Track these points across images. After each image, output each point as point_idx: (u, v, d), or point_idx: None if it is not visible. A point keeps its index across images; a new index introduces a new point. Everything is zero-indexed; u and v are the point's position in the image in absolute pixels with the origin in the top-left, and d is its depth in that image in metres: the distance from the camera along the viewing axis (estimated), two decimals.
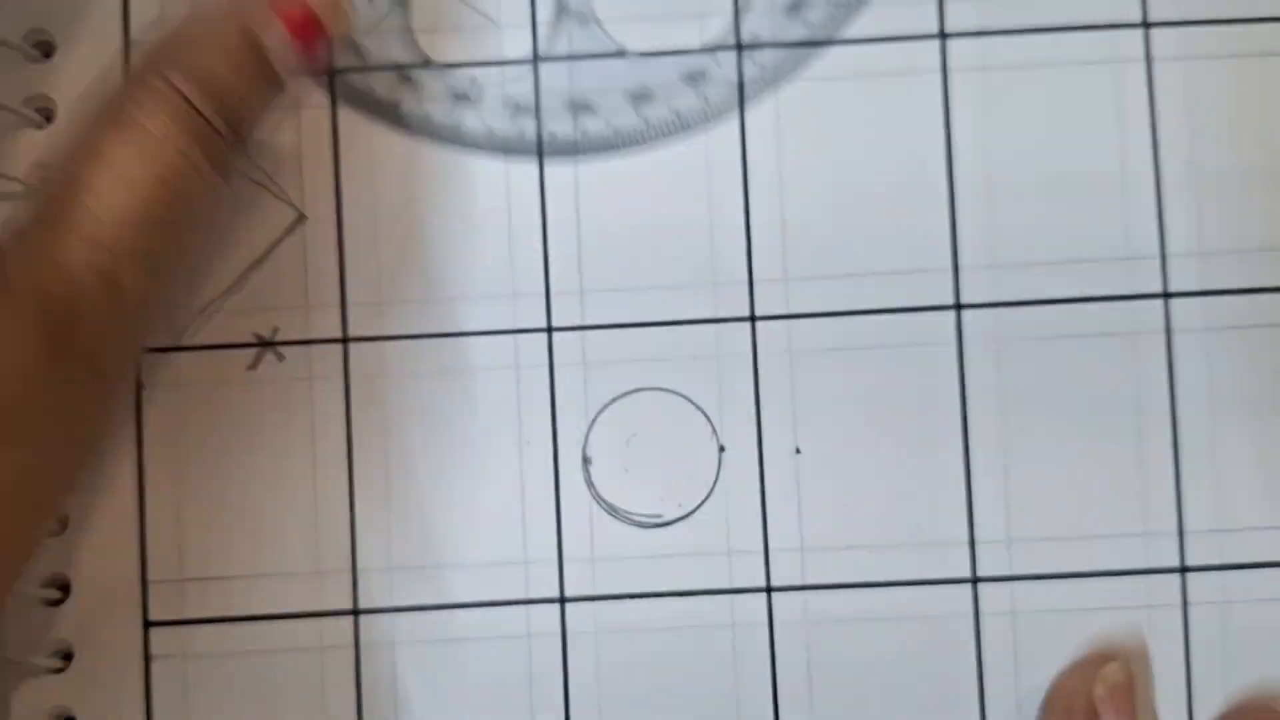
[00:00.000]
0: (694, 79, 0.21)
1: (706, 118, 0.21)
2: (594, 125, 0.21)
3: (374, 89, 0.21)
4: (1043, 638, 0.20)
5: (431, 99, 0.21)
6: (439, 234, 0.21)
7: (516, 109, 0.21)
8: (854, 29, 0.21)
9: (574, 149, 0.21)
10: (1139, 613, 0.20)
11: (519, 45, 0.21)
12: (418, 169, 0.21)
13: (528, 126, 0.21)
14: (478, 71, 0.21)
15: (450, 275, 0.21)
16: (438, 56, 0.21)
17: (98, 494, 0.20)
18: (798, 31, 0.20)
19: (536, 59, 0.21)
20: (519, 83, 0.21)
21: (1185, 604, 0.20)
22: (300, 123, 0.21)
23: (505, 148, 0.21)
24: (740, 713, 0.20)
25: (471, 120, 0.21)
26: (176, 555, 0.20)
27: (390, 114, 0.21)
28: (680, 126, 0.20)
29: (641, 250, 0.21)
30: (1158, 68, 0.21)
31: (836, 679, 0.20)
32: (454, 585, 0.20)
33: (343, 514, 0.21)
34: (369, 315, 0.21)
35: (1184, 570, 0.20)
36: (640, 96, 0.21)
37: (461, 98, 0.21)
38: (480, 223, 0.21)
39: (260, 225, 0.21)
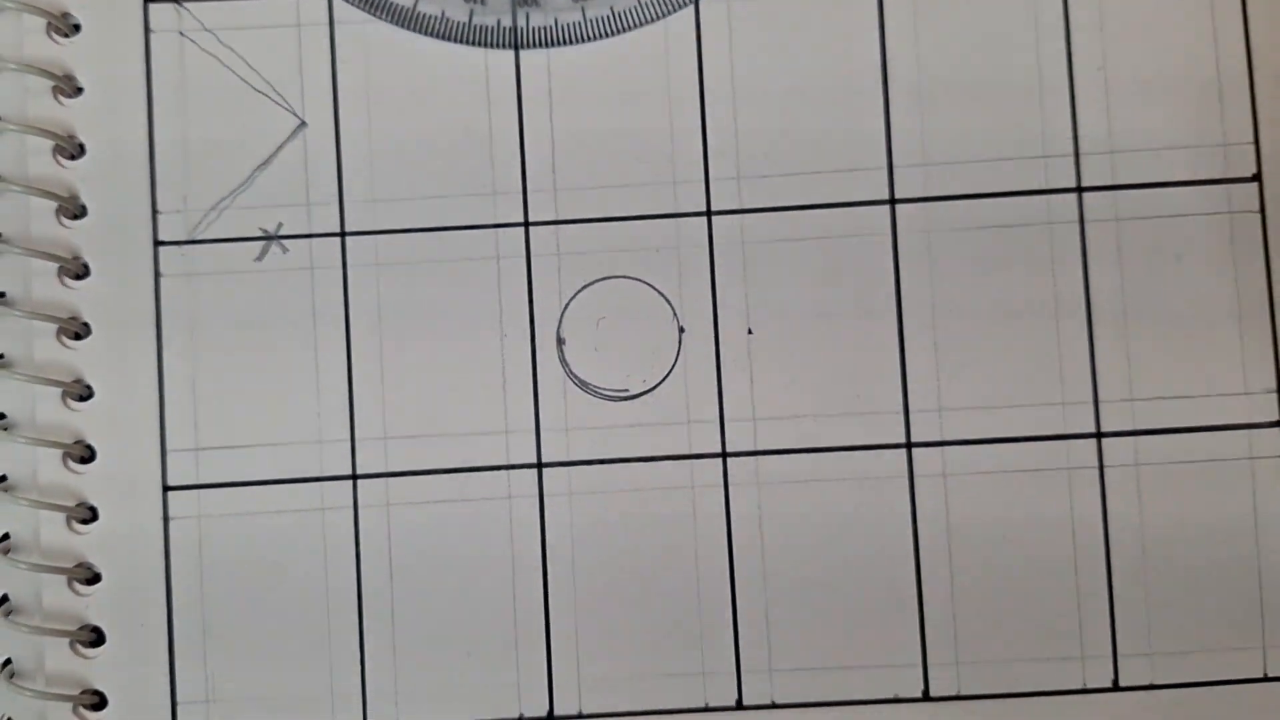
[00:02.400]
0: None
1: (643, 20, 0.23)
2: (538, 19, 0.23)
3: None
4: (971, 497, 0.23)
5: None
6: (426, 138, 0.23)
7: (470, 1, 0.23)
8: None
9: (515, 40, 0.23)
10: (1059, 474, 0.23)
11: None
12: (406, 77, 0.23)
13: (483, 18, 0.23)
14: None
15: (436, 175, 0.23)
16: None
17: (121, 373, 0.23)
18: None
19: None
20: None
21: (1101, 466, 0.23)
22: (300, 37, 0.23)
23: (463, 37, 0.23)
24: (699, 564, 0.23)
25: (428, 7, 0.23)
26: (192, 427, 0.23)
27: (379, 6, 0.23)
28: (616, 28, 0.23)
29: (609, 153, 0.23)
30: None
31: (785, 534, 0.23)
32: (441, 452, 0.23)
33: (341, 389, 0.23)
34: (364, 211, 0.23)
35: (1099, 435, 0.23)
36: None
37: None
38: (463, 126, 0.23)
39: (266, 131, 0.23)
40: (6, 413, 0.23)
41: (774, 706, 0.22)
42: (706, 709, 0.22)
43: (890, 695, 0.22)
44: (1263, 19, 0.23)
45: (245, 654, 0.23)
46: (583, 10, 0.23)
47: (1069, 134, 0.23)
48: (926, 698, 0.22)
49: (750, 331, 0.23)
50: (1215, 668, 0.22)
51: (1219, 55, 0.23)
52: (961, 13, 0.23)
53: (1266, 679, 0.22)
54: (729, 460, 0.23)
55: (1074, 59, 0.23)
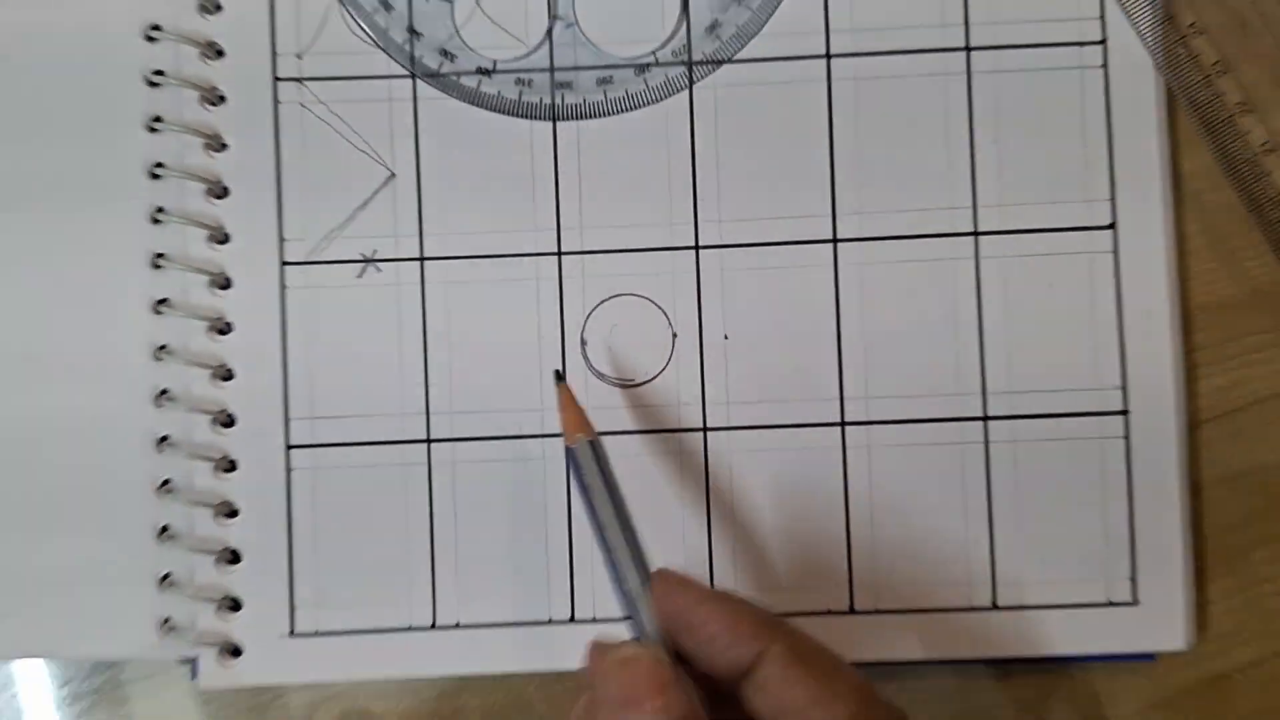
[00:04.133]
0: (641, 71, 0.30)
1: (649, 100, 0.30)
2: (570, 98, 0.30)
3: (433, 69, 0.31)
4: (890, 466, 0.30)
5: (469, 76, 0.31)
6: (484, 186, 0.31)
7: (519, 84, 0.31)
8: (752, 49, 0.30)
9: (553, 114, 0.30)
10: (953, 448, 0.30)
11: (530, 40, 0.31)
12: (470, 141, 0.31)
13: (529, 96, 0.30)
14: (497, 55, 0.31)
15: (491, 215, 0.31)
16: (471, 43, 0.31)
17: (256, 360, 0.30)
18: (712, 45, 0.30)
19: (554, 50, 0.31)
20: (525, 64, 0.31)
21: (987, 442, 0.30)
22: (391, 109, 0.31)
23: (515, 111, 0.30)
24: (685, 509, 0.30)
25: (488, 88, 0.31)
26: (309, 401, 0.30)
27: (450, 87, 0.31)
28: (630, 105, 0.30)
29: (621, 200, 0.31)
30: (975, 86, 0.30)
31: (750, 487, 0.30)
32: (493, 424, 0.30)
33: (419, 376, 0.30)
34: (437, 241, 0.31)
35: (986, 419, 0.30)
36: (604, 80, 0.30)
37: (483, 73, 0.31)
38: (512, 178, 0.31)
39: (364, 179, 0.31)
40: (169, 388, 0.31)
41: None
42: None
43: (824, 609, 0.30)
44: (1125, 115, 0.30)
45: (345, 569, 0.30)
46: (604, 93, 0.31)
47: (969, 192, 0.30)
48: (851, 611, 0.30)
49: (726, 337, 0.30)
50: (1069, 594, 0.30)
51: (1085, 122, 0.30)
52: (891, 105, 0.30)
53: (1110, 604, 0.30)
54: (709, 434, 0.30)
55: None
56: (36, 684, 0.32)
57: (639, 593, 0.25)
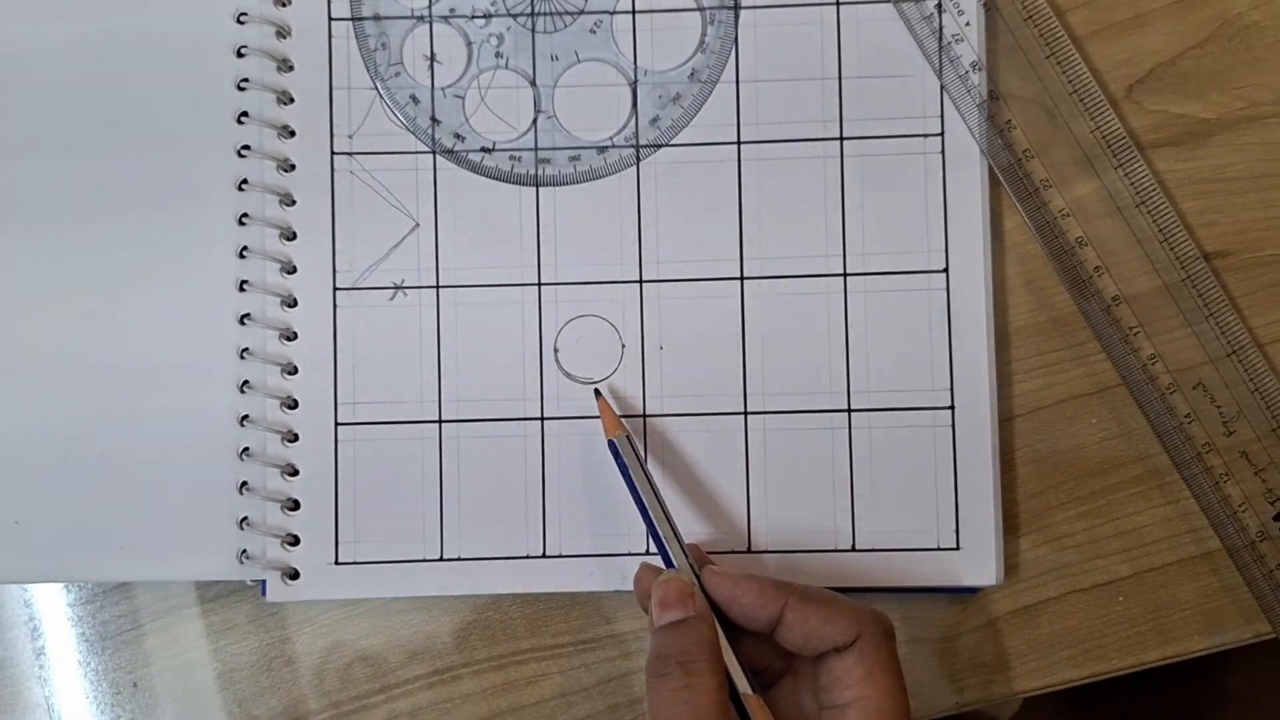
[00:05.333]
0: (601, 151, 0.41)
1: (607, 173, 0.41)
2: (549, 170, 0.41)
3: (450, 148, 0.42)
4: (779, 444, 0.41)
5: (475, 153, 0.42)
6: (485, 234, 0.41)
7: (512, 159, 0.41)
8: (683, 136, 0.41)
9: (536, 181, 0.41)
10: (827, 432, 0.41)
11: (520, 128, 0.42)
12: (475, 200, 0.42)
13: (519, 169, 0.41)
14: (496, 138, 0.41)
15: (490, 254, 0.41)
16: (477, 129, 0.42)
17: (314, 359, 0.41)
18: (654, 133, 0.41)
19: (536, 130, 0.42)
20: (516, 145, 0.42)
21: (850, 428, 0.41)
22: (416, 175, 0.42)
23: (508, 179, 0.41)
24: None
25: (489, 162, 0.42)
26: (353, 389, 0.41)
27: (461, 161, 0.42)
28: (593, 176, 0.41)
29: (587, 246, 0.41)
30: (846, 165, 0.41)
31: (677, 459, 0.41)
32: (489, 409, 0.41)
33: (434, 371, 0.41)
34: (450, 274, 0.41)
35: (850, 411, 0.41)
36: (574, 158, 0.41)
37: (485, 151, 0.42)
38: (506, 228, 0.41)
39: (395, 227, 0.42)
40: (250, 379, 0.41)
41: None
42: (629, 554, 0.41)
43: (729, 549, 0.41)
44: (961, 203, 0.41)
45: (376, 515, 0.41)
46: (574, 167, 0.41)
47: (840, 242, 0.41)
48: (749, 551, 0.41)
49: (662, 348, 0.41)
50: (910, 540, 0.40)
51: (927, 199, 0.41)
52: (784, 186, 0.41)
53: (940, 549, 0.40)
54: (647, 420, 0.41)
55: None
56: (61, 621, 0.42)
57: (673, 543, 0.37)
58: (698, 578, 0.36)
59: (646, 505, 0.37)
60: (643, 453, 0.39)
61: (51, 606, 0.43)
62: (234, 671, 0.42)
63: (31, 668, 0.43)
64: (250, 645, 0.42)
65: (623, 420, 0.40)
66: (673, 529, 0.37)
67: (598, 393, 0.41)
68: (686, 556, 0.37)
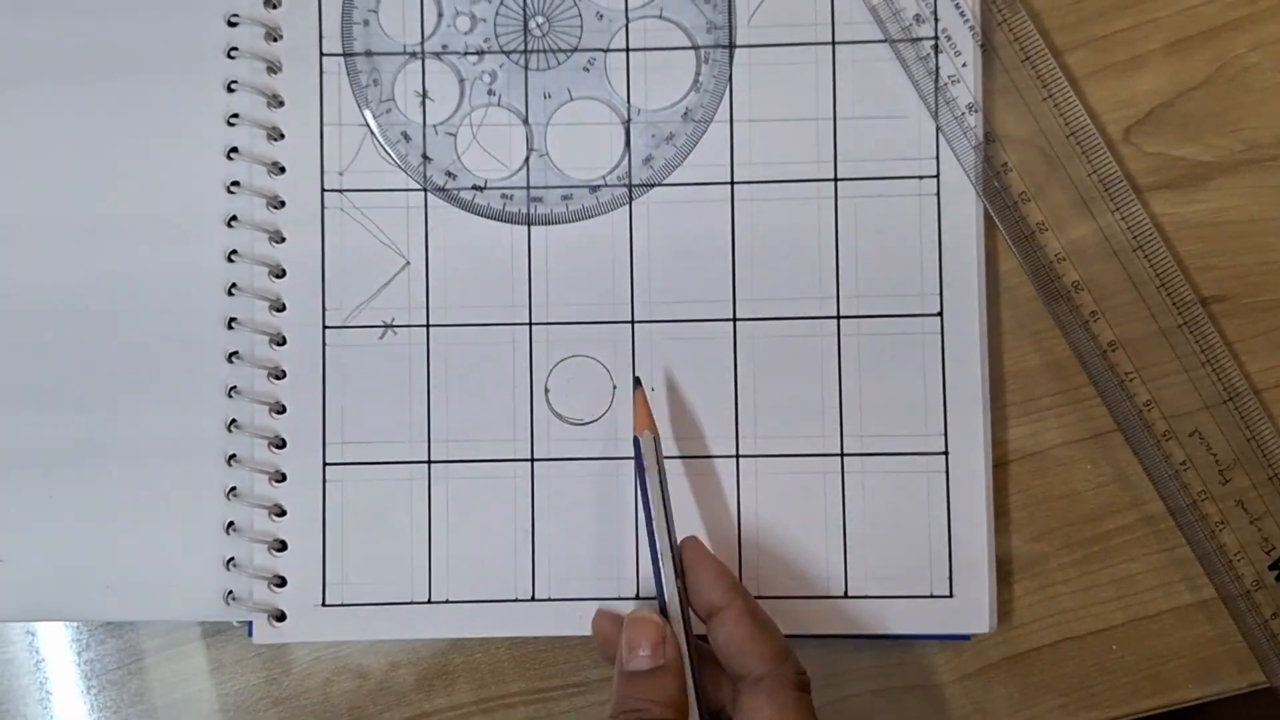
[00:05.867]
0: (594, 190, 0.41)
1: (600, 212, 0.41)
2: (541, 209, 0.41)
3: (441, 185, 0.41)
4: (772, 487, 0.40)
5: (466, 191, 0.41)
6: (476, 272, 0.41)
7: (503, 197, 0.41)
8: (676, 176, 0.41)
9: (528, 220, 0.41)
10: (818, 476, 0.40)
11: (512, 166, 0.41)
12: (466, 238, 0.41)
13: (511, 207, 0.41)
14: (488, 176, 0.41)
15: (481, 293, 0.41)
16: (469, 167, 0.41)
17: (301, 398, 0.41)
18: (646, 172, 0.41)
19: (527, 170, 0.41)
20: (508, 183, 0.41)
21: (843, 473, 0.40)
22: (407, 214, 0.41)
23: (500, 218, 0.41)
24: (619, 516, 0.40)
25: (481, 200, 0.41)
26: (341, 428, 0.41)
27: (452, 199, 0.41)
28: (585, 215, 0.41)
29: (577, 285, 0.41)
30: (841, 207, 0.41)
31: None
32: (478, 450, 0.41)
33: (423, 411, 0.41)
34: (439, 313, 0.41)
35: (843, 455, 0.40)
36: (566, 197, 0.41)
37: (477, 189, 0.41)
38: (497, 267, 0.41)
39: (385, 265, 0.41)
40: (237, 417, 0.41)
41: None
42: (619, 598, 0.40)
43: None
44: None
45: (365, 555, 0.41)
46: (566, 206, 0.41)
47: (834, 283, 0.41)
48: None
49: (653, 389, 0.41)
50: (902, 587, 0.40)
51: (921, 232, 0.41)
52: (773, 222, 0.41)
53: (933, 596, 0.40)
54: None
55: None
56: (62, 654, 0.42)
57: (670, 582, 0.36)
58: (683, 607, 0.36)
59: (652, 513, 0.37)
60: (663, 463, 0.38)
61: (54, 640, 0.42)
62: (235, 705, 0.42)
63: (34, 701, 0.42)
64: (249, 681, 0.42)
65: (654, 421, 0.39)
66: (671, 546, 0.37)
67: (638, 381, 0.40)
68: (678, 579, 0.36)
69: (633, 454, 0.39)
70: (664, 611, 0.37)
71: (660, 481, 0.38)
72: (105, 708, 0.42)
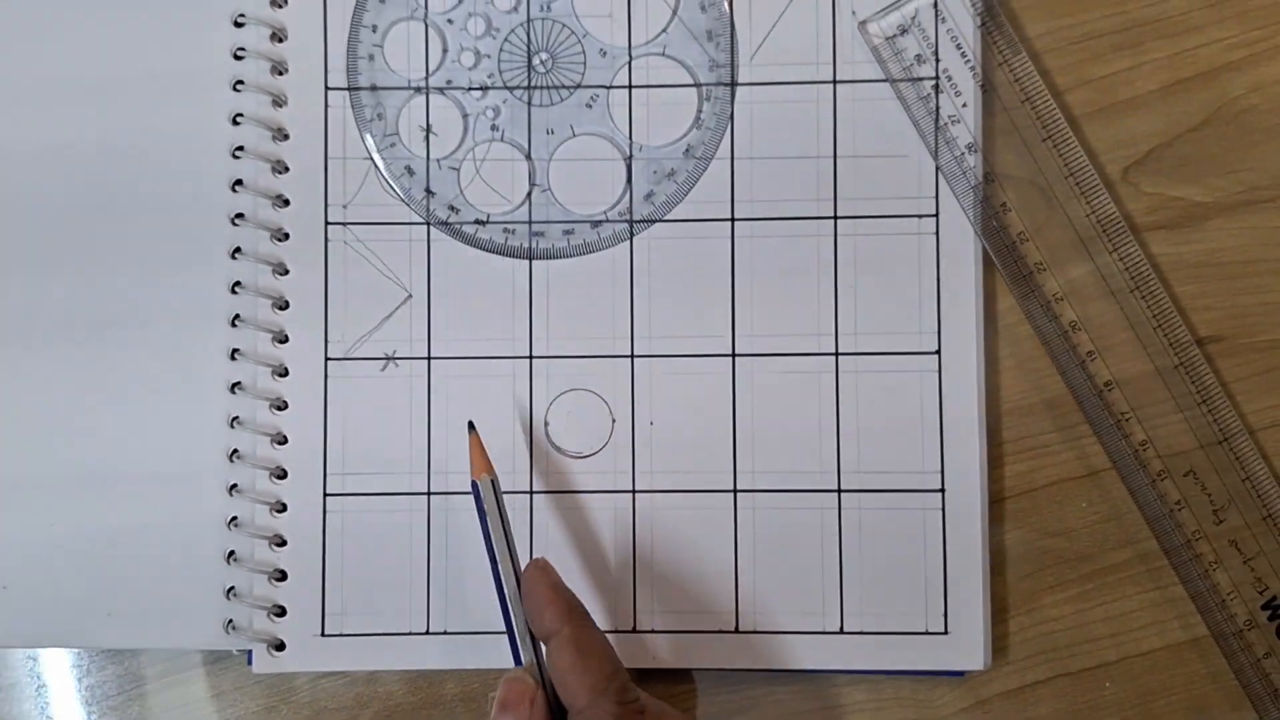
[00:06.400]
0: (595, 225, 0.41)
1: (601, 247, 0.41)
2: (543, 244, 0.41)
3: (445, 220, 0.42)
4: (768, 523, 0.41)
5: (469, 225, 0.42)
6: (477, 305, 0.41)
7: (505, 232, 0.41)
8: (677, 212, 0.41)
9: (529, 254, 0.41)
10: (815, 511, 0.41)
11: (515, 200, 0.42)
12: (468, 272, 0.41)
13: (513, 241, 0.41)
14: (490, 210, 0.41)
15: (482, 326, 0.41)
16: (472, 201, 0.41)
17: (303, 429, 0.41)
18: (647, 209, 0.41)
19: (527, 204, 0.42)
20: (510, 218, 0.42)
21: (840, 509, 0.41)
22: (410, 247, 0.42)
23: (502, 252, 0.41)
24: (615, 549, 0.41)
25: (483, 234, 0.41)
26: (342, 460, 0.41)
27: (455, 233, 0.41)
28: (587, 250, 0.41)
29: (578, 318, 0.41)
30: (840, 244, 0.41)
31: (664, 535, 0.41)
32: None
33: (424, 444, 0.41)
34: (441, 345, 0.41)
35: (840, 491, 0.41)
36: (568, 231, 0.41)
37: (480, 223, 0.42)
38: (498, 301, 0.41)
39: (388, 297, 0.42)
40: (240, 448, 0.41)
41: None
42: (616, 631, 0.41)
43: (716, 628, 0.40)
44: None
45: (365, 586, 0.41)
46: (568, 241, 0.41)
47: (833, 321, 0.41)
48: (736, 631, 0.40)
49: (652, 423, 0.41)
50: (897, 624, 0.40)
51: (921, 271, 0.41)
52: (772, 257, 0.41)
53: (928, 633, 0.40)
54: (636, 495, 0.41)
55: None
56: (63, 680, 0.42)
57: (520, 624, 0.36)
58: (539, 664, 0.36)
59: (498, 560, 0.37)
60: (504, 506, 0.38)
61: (55, 665, 0.43)
62: None
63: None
64: (249, 708, 0.42)
65: (490, 462, 0.38)
66: (519, 591, 0.36)
67: (471, 426, 0.40)
68: (534, 644, 0.36)
69: (473, 496, 0.38)
70: (516, 659, 0.37)
71: (503, 523, 0.37)
72: None
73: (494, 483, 0.38)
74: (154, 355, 0.41)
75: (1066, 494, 0.42)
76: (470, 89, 0.42)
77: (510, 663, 0.37)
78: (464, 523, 0.41)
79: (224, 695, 0.42)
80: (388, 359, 0.41)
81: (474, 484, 0.38)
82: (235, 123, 0.41)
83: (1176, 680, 0.41)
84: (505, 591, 0.37)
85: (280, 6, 0.41)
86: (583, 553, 0.41)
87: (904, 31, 0.41)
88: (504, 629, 0.38)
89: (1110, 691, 0.41)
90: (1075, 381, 0.41)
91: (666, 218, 0.41)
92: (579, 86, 0.42)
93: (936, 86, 0.41)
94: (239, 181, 0.41)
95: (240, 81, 0.41)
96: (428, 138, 0.42)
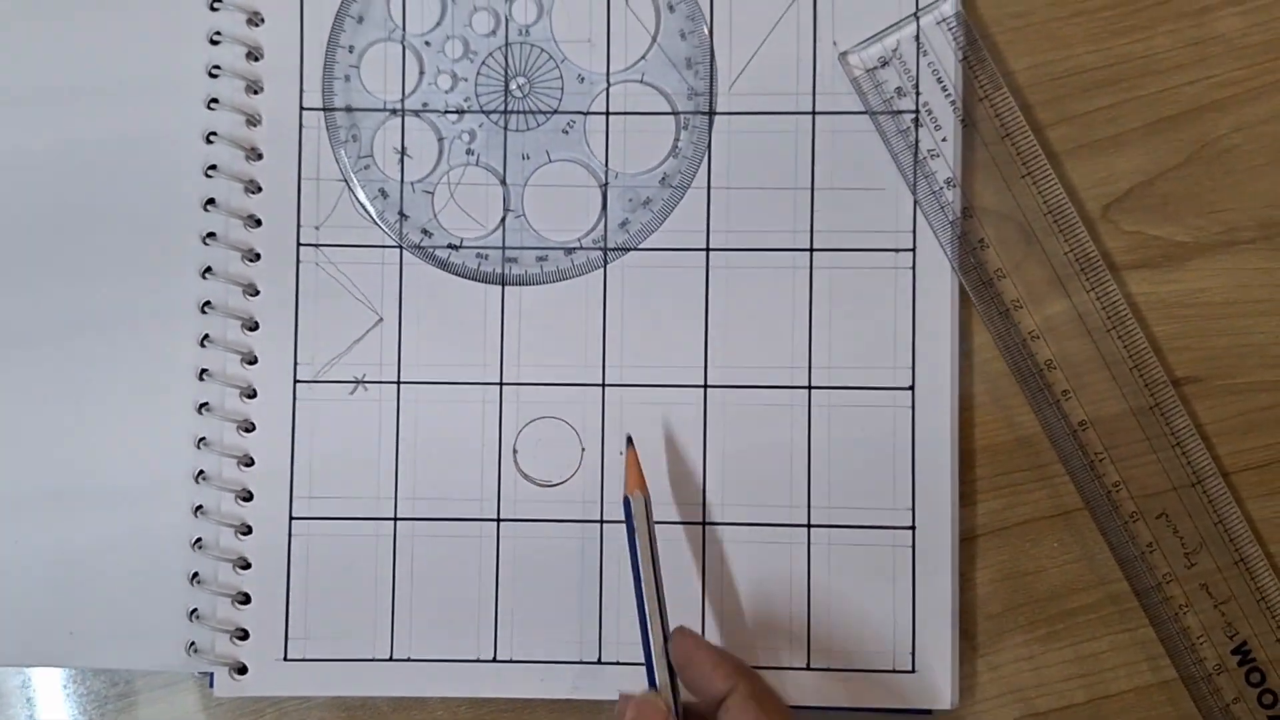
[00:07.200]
0: (569, 252, 0.41)
1: (574, 274, 0.41)
2: (516, 269, 0.41)
3: (419, 245, 0.41)
4: (740, 558, 0.40)
5: (442, 249, 0.41)
6: (448, 329, 0.41)
7: (479, 257, 0.41)
8: (652, 241, 0.41)
9: (502, 280, 0.41)
10: (784, 546, 0.40)
11: (488, 225, 0.41)
12: (440, 297, 0.41)
13: (485, 267, 0.41)
14: (464, 235, 0.41)
15: (453, 351, 0.41)
16: (445, 225, 0.41)
17: (269, 450, 0.41)
18: (622, 236, 0.41)
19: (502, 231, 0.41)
20: (484, 243, 0.41)
21: (809, 544, 0.40)
22: (382, 270, 0.41)
23: (474, 277, 0.41)
24: (582, 577, 0.40)
25: (456, 259, 0.41)
26: (309, 483, 0.41)
27: (428, 257, 0.41)
28: (560, 277, 0.41)
29: (550, 347, 0.41)
30: (815, 277, 0.41)
31: (629, 572, 0.40)
32: (444, 508, 0.41)
33: (391, 468, 0.41)
34: (411, 370, 0.41)
35: (809, 526, 0.40)
36: (541, 258, 0.41)
37: (452, 248, 0.41)
38: (469, 325, 0.41)
39: (359, 320, 0.41)
40: (205, 469, 0.41)
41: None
42: (580, 662, 0.40)
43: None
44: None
45: (328, 611, 0.41)
46: (541, 267, 0.41)
47: (806, 354, 0.41)
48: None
49: (621, 453, 0.41)
50: (864, 661, 0.40)
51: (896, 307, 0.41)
52: (751, 294, 0.41)
53: (895, 671, 0.40)
54: (605, 525, 0.41)
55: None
56: (57, 694, 0.42)
57: (658, 646, 0.35)
58: (672, 681, 0.35)
59: (642, 577, 0.36)
60: (654, 526, 0.38)
61: (46, 675, 0.42)
62: None
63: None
64: None
65: (645, 481, 0.38)
66: (661, 613, 0.36)
67: (630, 441, 0.40)
68: (666, 645, 0.36)
69: (622, 515, 0.38)
70: (652, 682, 0.36)
71: (651, 543, 0.37)
72: None
73: (646, 500, 0.38)
74: (121, 373, 0.41)
75: (1038, 533, 0.41)
76: (446, 112, 0.41)
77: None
78: (429, 549, 0.41)
79: (225, 703, 0.42)
80: (357, 382, 0.41)
81: (625, 499, 0.37)
82: (209, 141, 0.41)
83: None
84: (645, 609, 0.36)
85: (257, 25, 0.41)
86: (549, 581, 0.41)
87: (885, 64, 0.41)
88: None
89: None
90: (1049, 420, 0.41)
91: (641, 246, 0.41)
92: (556, 112, 0.41)
93: (916, 120, 0.41)
94: (211, 200, 0.41)
95: (215, 100, 0.41)
96: (402, 160, 0.41)
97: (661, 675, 0.36)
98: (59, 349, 0.41)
